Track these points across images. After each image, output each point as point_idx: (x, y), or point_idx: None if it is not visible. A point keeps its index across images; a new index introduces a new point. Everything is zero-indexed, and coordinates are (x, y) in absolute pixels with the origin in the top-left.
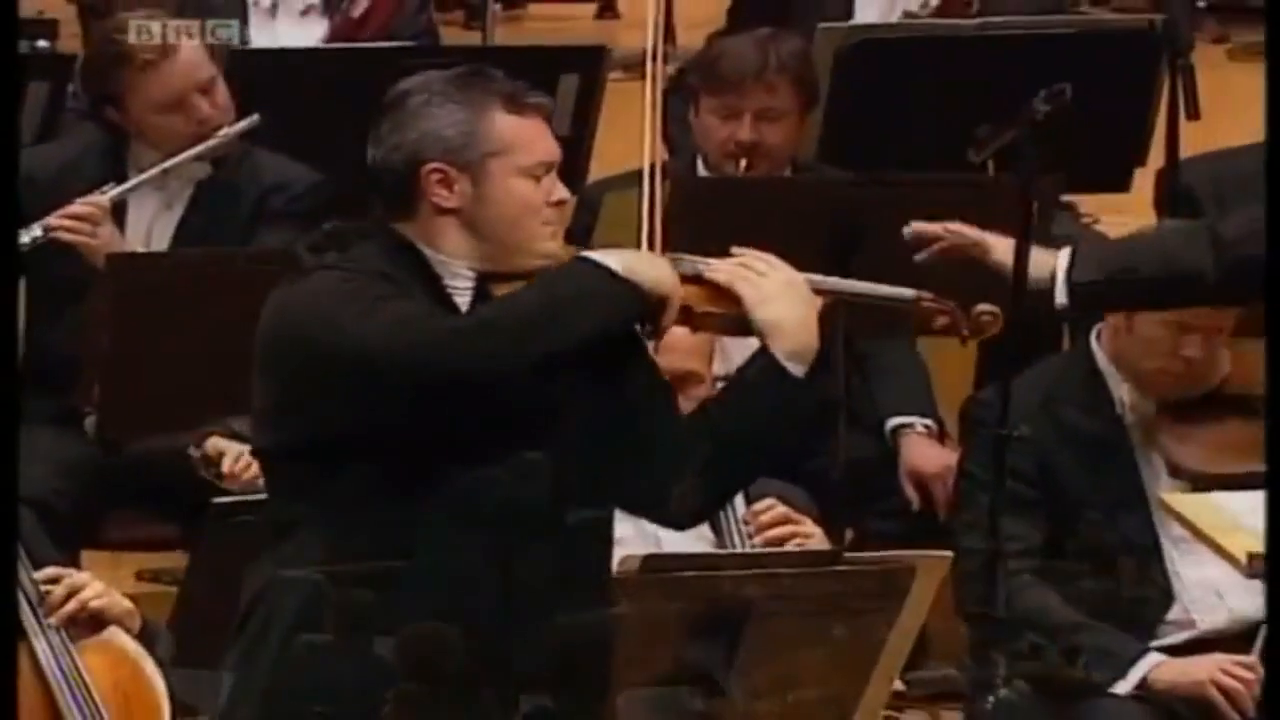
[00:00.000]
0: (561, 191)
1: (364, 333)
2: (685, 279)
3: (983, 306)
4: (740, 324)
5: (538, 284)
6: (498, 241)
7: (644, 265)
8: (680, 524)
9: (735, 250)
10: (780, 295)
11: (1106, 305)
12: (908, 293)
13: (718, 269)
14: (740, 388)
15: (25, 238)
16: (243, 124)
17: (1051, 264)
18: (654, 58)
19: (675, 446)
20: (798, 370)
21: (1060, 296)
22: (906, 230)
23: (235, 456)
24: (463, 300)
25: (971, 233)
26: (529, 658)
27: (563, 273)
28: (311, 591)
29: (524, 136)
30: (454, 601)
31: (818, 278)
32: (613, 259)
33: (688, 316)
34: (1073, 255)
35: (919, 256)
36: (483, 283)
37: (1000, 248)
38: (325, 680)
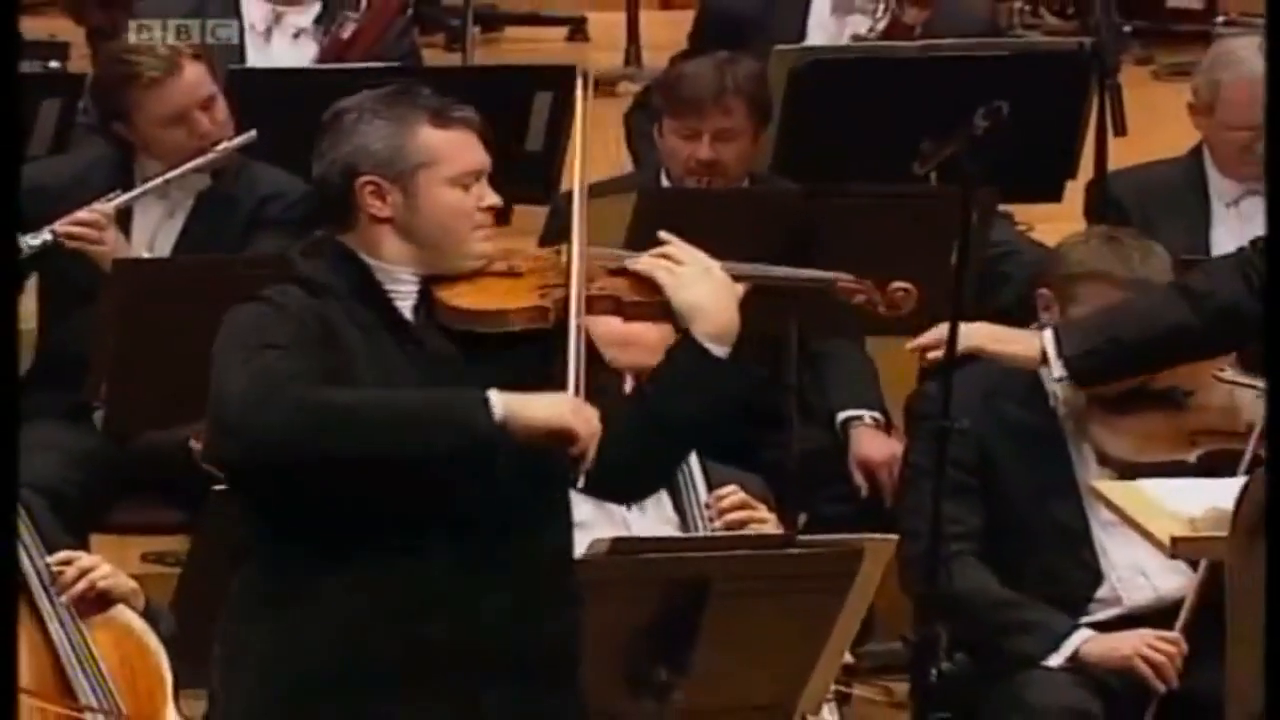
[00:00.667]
0: (492, 197)
1: (228, 382)
2: (612, 272)
3: (897, 284)
4: (667, 310)
5: (420, 394)
6: (432, 246)
7: (534, 408)
8: (628, 500)
9: (662, 236)
10: (697, 281)
11: (1106, 375)
12: (826, 275)
13: (639, 260)
14: (668, 369)
15: (35, 241)
16: (241, 139)
17: (1038, 344)
18: (584, 86)
19: (625, 430)
20: (719, 351)
21: (1057, 371)
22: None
23: None
24: (406, 304)
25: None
26: (498, 658)
27: (452, 393)
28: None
29: (449, 148)
30: (422, 605)
31: (737, 265)
32: (503, 398)
33: (618, 307)
34: (1056, 332)
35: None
36: (426, 285)
37: (969, 333)
38: (315, 676)
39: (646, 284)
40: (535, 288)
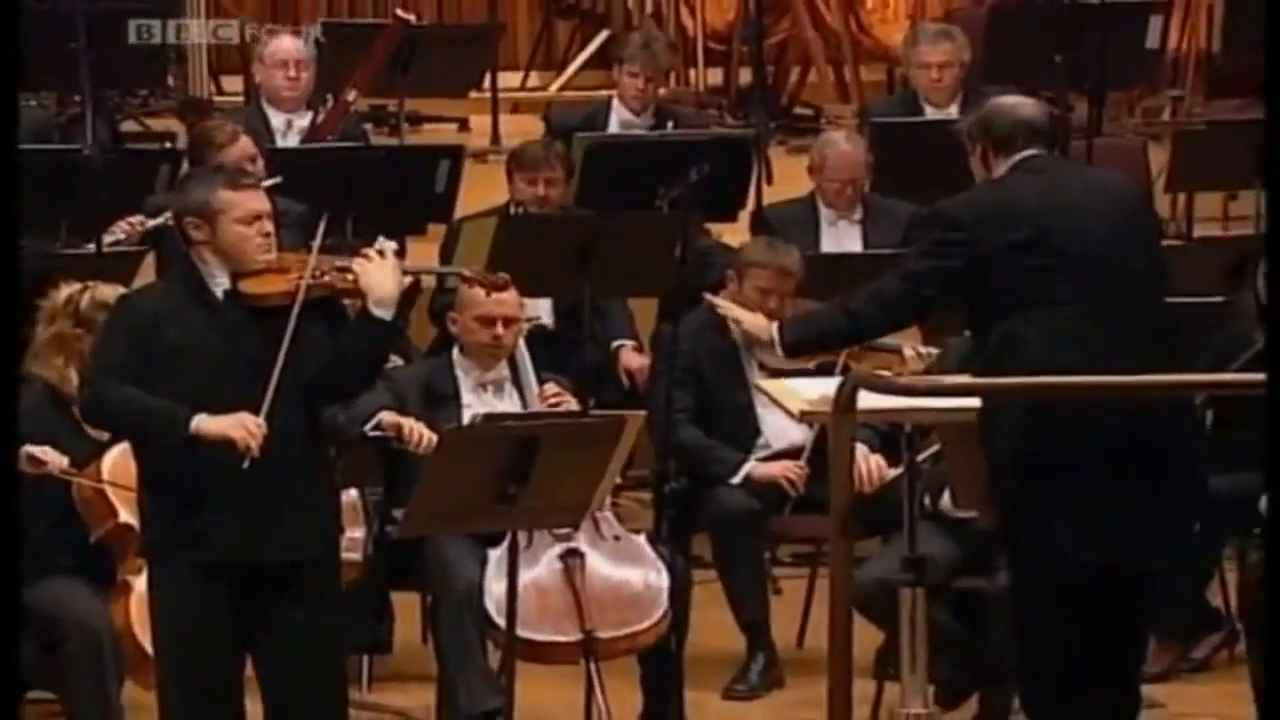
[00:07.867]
0: (267, 227)
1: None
2: (338, 268)
3: (500, 274)
4: (359, 289)
5: (155, 405)
6: (231, 258)
7: (212, 425)
8: (344, 398)
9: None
10: (374, 271)
11: (802, 356)
12: (459, 269)
13: (355, 259)
14: (354, 323)
15: (156, 221)
16: (271, 180)
17: (768, 329)
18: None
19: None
20: (380, 313)
21: (777, 349)
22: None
23: None
24: (219, 289)
25: (729, 308)
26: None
27: (168, 409)
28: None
29: (236, 201)
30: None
31: (410, 264)
32: (197, 418)
33: (333, 290)
34: (780, 327)
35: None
36: (234, 278)
37: (745, 318)
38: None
39: (350, 273)
40: (291, 280)
